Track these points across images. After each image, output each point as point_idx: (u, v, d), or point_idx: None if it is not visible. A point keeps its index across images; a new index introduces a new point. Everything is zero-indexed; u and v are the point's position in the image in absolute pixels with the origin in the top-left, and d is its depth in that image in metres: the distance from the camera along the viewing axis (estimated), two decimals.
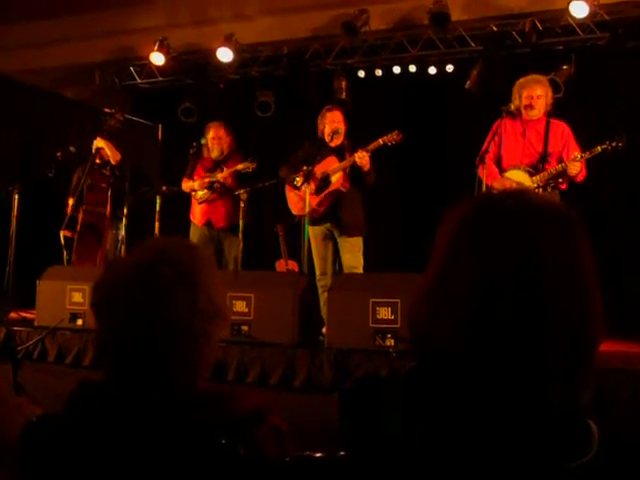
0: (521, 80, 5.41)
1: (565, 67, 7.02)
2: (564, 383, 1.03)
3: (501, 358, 1.02)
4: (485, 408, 1.02)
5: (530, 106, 5.32)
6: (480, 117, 6.74)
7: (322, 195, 5.75)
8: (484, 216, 1.10)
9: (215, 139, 6.50)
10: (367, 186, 5.82)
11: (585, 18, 6.79)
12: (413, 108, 7.68)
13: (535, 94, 5.33)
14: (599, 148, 5.08)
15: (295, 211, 5.97)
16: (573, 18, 6.86)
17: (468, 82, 7.23)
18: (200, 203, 6.45)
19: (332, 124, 5.87)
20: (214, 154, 6.49)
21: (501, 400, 1.01)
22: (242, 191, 5.96)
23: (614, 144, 5.04)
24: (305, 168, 5.60)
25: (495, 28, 7.25)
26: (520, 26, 7.18)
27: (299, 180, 5.68)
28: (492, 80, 7.08)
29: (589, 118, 6.94)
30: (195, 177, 6.52)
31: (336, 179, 5.74)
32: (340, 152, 5.86)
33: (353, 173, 5.75)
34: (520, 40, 7.25)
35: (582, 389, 1.06)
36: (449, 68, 7.79)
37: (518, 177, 5.25)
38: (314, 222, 5.79)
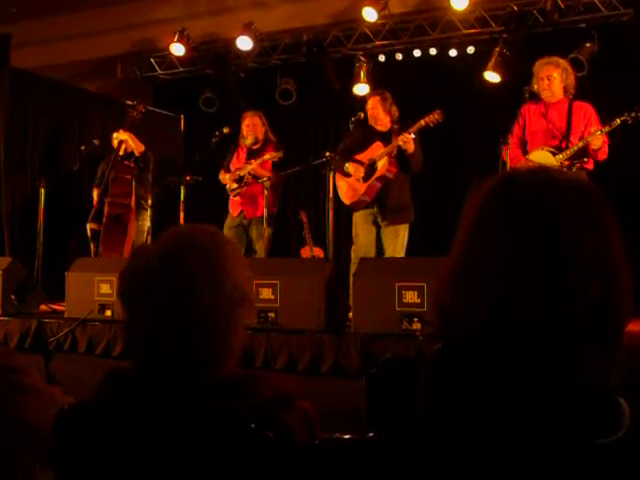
0: (536, 63, 5.40)
1: (588, 45, 6.93)
2: (593, 363, 1.02)
3: (528, 339, 1.01)
4: (512, 388, 1.01)
5: (544, 88, 5.31)
6: (502, 98, 6.70)
7: (369, 182, 5.75)
8: (508, 193, 1.10)
9: (250, 126, 6.51)
10: (413, 171, 5.78)
11: None
12: (434, 91, 7.62)
13: (546, 75, 5.31)
14: (618, 120, 5.10)
15: (346, 200, 5.95)
16: None
17: (489, 64, 7.17)
18: (234, 197, 6.48)
19: (369, 110, 5.89)
20: (248, 141, 6.50)
21: (529, 380, 1.01)
22: (265, 179, 5.97)
23: (633, 115, 5.03)
24: (328, 154, 5.60)
25: (516, 8, 7.16)
26: (541, 4, 7.10)
27: (348, 167, 5.77)
28: (514, 61, 7.01)
29: (614, 96, 6.85)
30: (232, 167, 6.55)
31: (382, 165, 5.73)
32: (387, 137, 5.85)
33: (400, 158, 5.73)
34: (542, 19, 7.17)
35: (611, 369, 1.05)
36: (470, 50, 7.72)
37: (541, 158, 5.22)
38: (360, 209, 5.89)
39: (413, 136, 5.61)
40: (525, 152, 5.39)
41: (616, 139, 5.29)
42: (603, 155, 5.19)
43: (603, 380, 1.04)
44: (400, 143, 5.60)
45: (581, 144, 5.14)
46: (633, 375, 3.33)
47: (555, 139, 5.30)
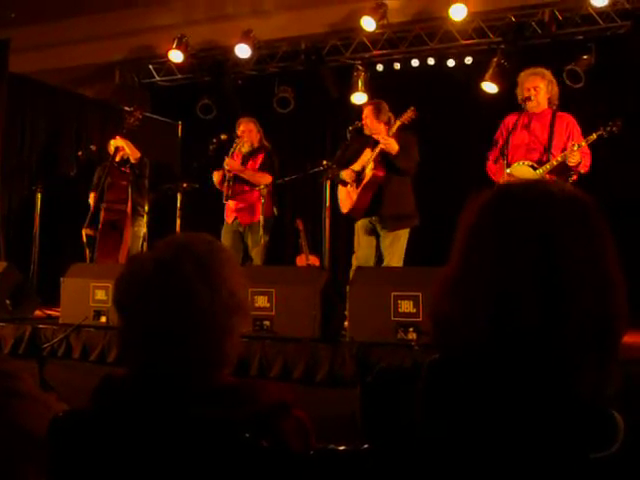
0: (522, 73, 5.42)
1: (585, 57, 6.96)
2: (588, 375, 1.02)
3: (524, 350, 1.01)
4: (508, 400, 1.01)
5: (528, 98, 5.32)
6: (500, 109, 6.70)
7: (359, 189, 5.75)
8: (503, 206, 1.10)
9: (245, 132, 6.53)
10: (401, 171, 5.77)
11: (605, 7, 6.73)
12: (432, 101, 7.64)
13: (532, 86, 5.33)
14: (594, 135, 5.09)
15: (344, 209, 5.95)
16: (593, 7, 6.80)
17: (487, 74, 7.19)
18: (225, 201, 6.48)
19: (364, 120, 5.92)
20: (244, 148, 6.52)
21: (524, 392, 1.01)
22: (262, 186, 5.98)
23: (608, 129, 5.05)
24: (325, 162, 5.61)
25: (514, 19, 7.20)
26: (539, 16, 7.14)
27: (343, 175, 5.78)
28: (511, 71, 7.04)
29: (610, 107, 6.87)
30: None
31: (368, 170, 5.75)
32: (374, 143, 5.87)
33: (386, 161, 5.75)
34: (539, 30, 7.21)
35: (606, 380, 1.05)
36: (468, 60, 7.74)
37: (521, 172, 5.22)
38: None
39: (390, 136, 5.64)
40: (507, 164, 5.38)
41: (601, 150, 5.29)
42: (584, 168, 5.17)
43: (598, 392, 1.04)
44: (382, 146, 5.63)
45: (560, 159, 5.14)
46: (628, 387, 3.33)
47: (536, 152, 5.30)
